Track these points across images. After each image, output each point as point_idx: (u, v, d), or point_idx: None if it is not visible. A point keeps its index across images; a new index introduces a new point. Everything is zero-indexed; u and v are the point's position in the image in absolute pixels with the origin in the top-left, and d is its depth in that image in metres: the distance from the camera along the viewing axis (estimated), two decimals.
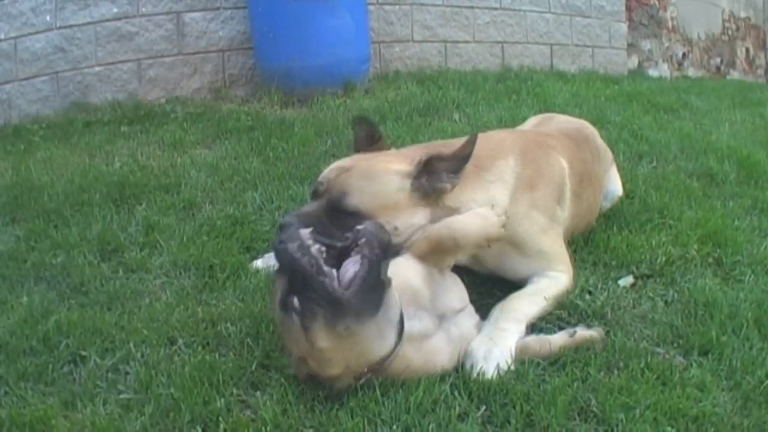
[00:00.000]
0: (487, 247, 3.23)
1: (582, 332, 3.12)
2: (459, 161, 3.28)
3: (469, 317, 3.12)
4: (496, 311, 3.18)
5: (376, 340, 2.72)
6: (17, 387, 2.93)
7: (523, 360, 2.96)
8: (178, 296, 3.62)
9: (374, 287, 2.69)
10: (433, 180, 3.28)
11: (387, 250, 2.77)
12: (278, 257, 2.76)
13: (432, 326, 2.92)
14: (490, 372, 2.86)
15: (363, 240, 2.73)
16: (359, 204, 3.20)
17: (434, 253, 3.10)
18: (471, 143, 3.27)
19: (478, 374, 2.86)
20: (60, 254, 4.07)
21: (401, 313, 2.79)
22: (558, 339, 3.08)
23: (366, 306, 2.66)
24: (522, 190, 3.46)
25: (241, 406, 2.78)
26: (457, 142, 3.46)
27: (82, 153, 5.96)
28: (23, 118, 7.31)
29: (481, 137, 3.41)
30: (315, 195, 3.37)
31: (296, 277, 2.67)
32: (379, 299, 2.70)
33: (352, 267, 2.69)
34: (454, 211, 3.27)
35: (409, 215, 3.26)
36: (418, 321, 2.88)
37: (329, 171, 3.40)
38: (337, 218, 3.17)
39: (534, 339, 3.07)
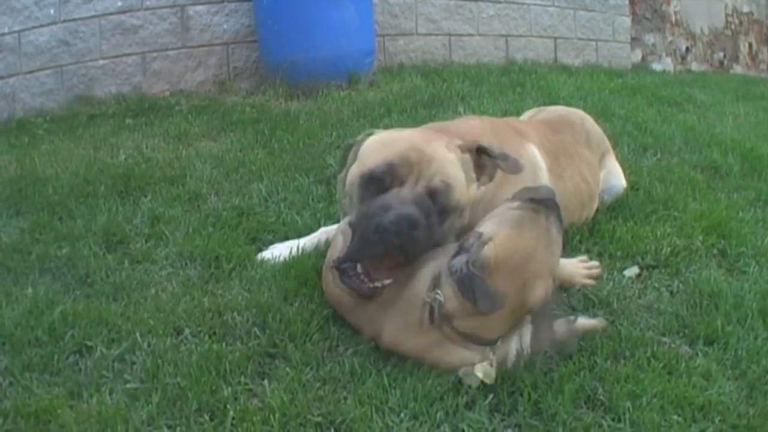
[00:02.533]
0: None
1: (583, 321, 3.13)
2: (501, 157, 3.16)
3: None
4: None
5: None
6: (23, 378, 2.93)
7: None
8: (184, 287, 3.61)
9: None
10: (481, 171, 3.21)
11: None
12: None
13: None
14: (509, 359, 2.88)
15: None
16: (459, 197, 3.08)
17: None
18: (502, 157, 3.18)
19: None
20: (65, 246, 4.06)
21: None
22: (559, 327, 3.08)
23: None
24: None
25: (249, 395, 2.79)
26: (454, 123, 3.48)
27: (86, 146, 5.95)
28: (27, 111, 7.30)
29: (456, 121, 3.54)
30: (395, 177, 3.02)
31: None
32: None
33: None
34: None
35: (468, 210, 3.17)
36: None
37: (405, 151, 3.06)
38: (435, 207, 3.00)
39: None
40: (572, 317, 3.15)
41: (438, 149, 3.11)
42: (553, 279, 2.78)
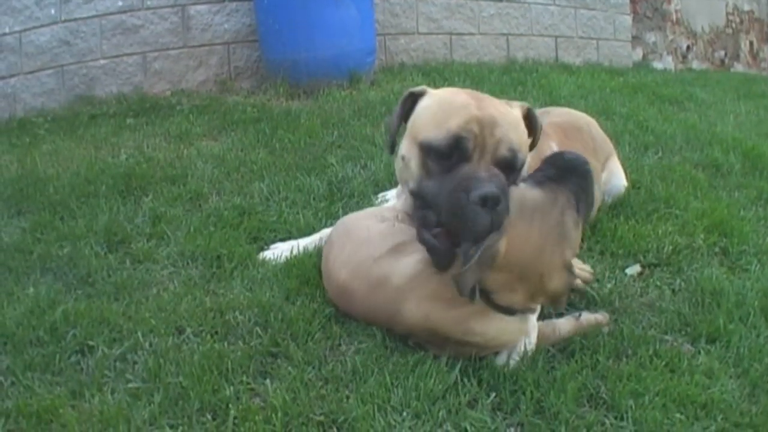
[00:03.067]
0: None
1: (587, 316, 3.13)
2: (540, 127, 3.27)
3: None
4: None
5: None
6: (24, 377, 2.93)
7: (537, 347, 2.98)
8: (186, 286, 3.61)
9: None
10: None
11: None
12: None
13: None
14: (515, 359, 2.90)
15: None
16: (523, 158, 3.05)
17: None
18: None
19: (503, 359, 2.91)
20: (66, 245, 4.07)
21: None
22: (565, 324, 3.09)
23: None
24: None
25: (251, 394, 2.79)
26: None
27: (87, 145, 5.96)
28: (28, 111, 7.32)
29: None
30: (462, 152, 2.96)
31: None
32: None
33: None
34: None
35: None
36: None
37: (468, 123, 2.98)
38: (505, 175, 2.95)
39: (543, 324, 3.08)
40: (577, 314, 3.15)
41: (499, 109, 3.09)
42: (569, 268, 2.78)
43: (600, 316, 3.17)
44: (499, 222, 2.74)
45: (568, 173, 2.84)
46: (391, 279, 3.01)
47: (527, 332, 2.96)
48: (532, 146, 3.21)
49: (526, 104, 3.23)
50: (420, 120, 3.13)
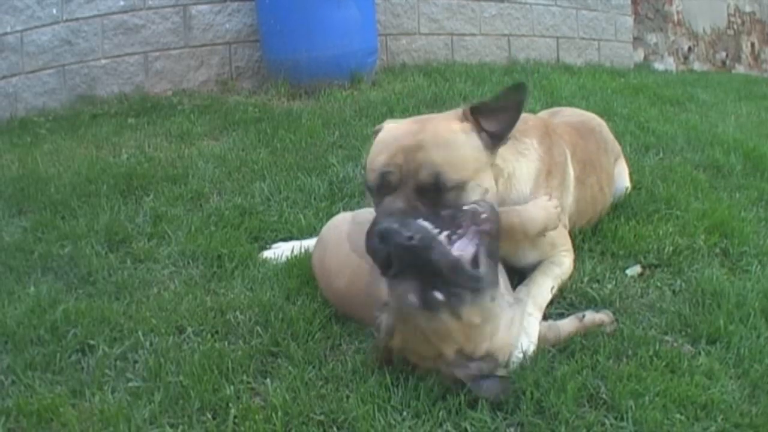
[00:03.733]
0: (543, 237, 3.28)
1: (591, 316, 3.13)
2: (510, 111, 3.02)
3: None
4: (520, 296, 3.17)
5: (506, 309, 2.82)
6: (25, 376, 2.94)
7: (540, 347, 2.98)
8: (187, 285, 3.63)
9: (495, 260, 2.78)
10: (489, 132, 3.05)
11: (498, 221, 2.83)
12: (405, 258, 2.64)
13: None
14: (519, 359, 2.89)
15: (484, 216, 2.75)
16: (454, 177, 2.88)
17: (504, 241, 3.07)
18: (518, 91, 3.01)
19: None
20: (67, 245, 4.08)
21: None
22: (568, 324, 3.09)
23: (494, 279, 2.74)
24: (543, 175, 3.42)
25: (251, 393, 2.80)
26: None
27: (88, 145, 5.97)
28: (30, 110, 7.33)
29: None
30: (387, 187, 2.93)
31: (427, 272, 2.63)
32: (496, 272, 2.78)
33: (469, 245, 2.70)
34: (500, 171, 3.17)
35: (489, 174, 3.02)
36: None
37: (392, 157, 2.94)
38: (431, 199, 2.87)
39: (545, 325, 3.08)
40: (581, 314, 3.15)
41: (429, 132, 2.98)
42: (462, 358, 2.75)
43: (603, 316, 3.17)
44: (407, 250, 2.65)
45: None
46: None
47: (527, 333, 2.97)
48: (504, 133, 3.06)
49: (462, 108, 3.10)
50: (369, 154, 3.09)
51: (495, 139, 3.02)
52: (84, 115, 7.05)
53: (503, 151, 3.12)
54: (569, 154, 3.72)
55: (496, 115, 3.00)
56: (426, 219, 2.74)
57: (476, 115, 3.02)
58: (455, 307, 2.62)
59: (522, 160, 3.34)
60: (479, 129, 3.01)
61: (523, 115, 3.37)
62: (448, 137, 2.98)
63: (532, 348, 2.94)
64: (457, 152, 2.94)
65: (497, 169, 3.11)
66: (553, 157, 3.52)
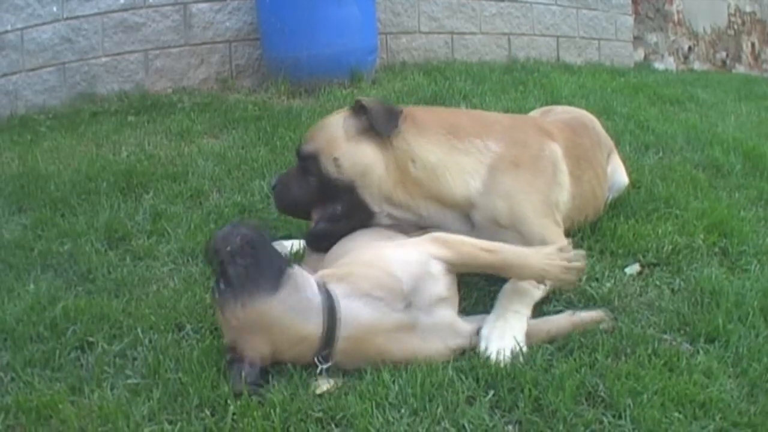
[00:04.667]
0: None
1: (583, 314, 3.14)
2: (385, 114, 3.53)
3: (450, 308, 3.11)
4: (507, 293, 3.20)
5: (290, 318, 2.80)
6: (24, 373, 2.96)
7: (529, 344, 2.99)
8: (186, 283, 3.64)
9: (261, 270, 2.81)
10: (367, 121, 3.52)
11: (255, 234, 2.92)
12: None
13: (401, 314, 2.93)
14: (505, 354, 2.90)
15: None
16: (312, 146, 3.57)
17: (475, 268, 3.22)
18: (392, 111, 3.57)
19: (492, 356, 2.90)
20: (67, 242, 4.09)
21: (331, 298, 2.86)
22: (559, 320, 3.10)
23: (260, 286, 2.78)
24: (505, 167, 3.53)
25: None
26: (475, 113, 3.88)
27: (88, 143, 5.97)
28: (30, 108, 7.32)
29: (477, 113, 3.94)
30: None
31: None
32: (275, 280, 2.80)
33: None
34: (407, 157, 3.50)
35: (351, 147, 3.50)
36: (380, 308, 2.91)
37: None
38: (305, 167, 3.59)
39: (536, 322, 3.10)
40: (572, 312, 3.16)
41: (323, 122, 3.71)
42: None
43: (597, 314, 3.17)
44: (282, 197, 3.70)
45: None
46: None
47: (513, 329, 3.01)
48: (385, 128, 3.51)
49: (349, 108, 3.67)
50: None
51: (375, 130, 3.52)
52: (84, 112, 7.05)
53: (427, 143, 3.52)
54: (560, 150, 3.75)
55: (372, 113, 3.50)
56: (299, 184, 3.61)
57: (358, 107, 3.56)
58: (218, 300, 2.86)
59: (457, 155, 3.53)
60: (359, 118, 3.55)
61: (488, 116, 3.98)
62: (326, 119, 3.72)
63: (520, 341, 2.97)
64: (322, 130, 3.64)
65: (401, 153, 3.49)
66: (525, 152, 3.62)
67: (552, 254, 3.19)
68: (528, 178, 3.53)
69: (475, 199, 3.48)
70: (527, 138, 3.69)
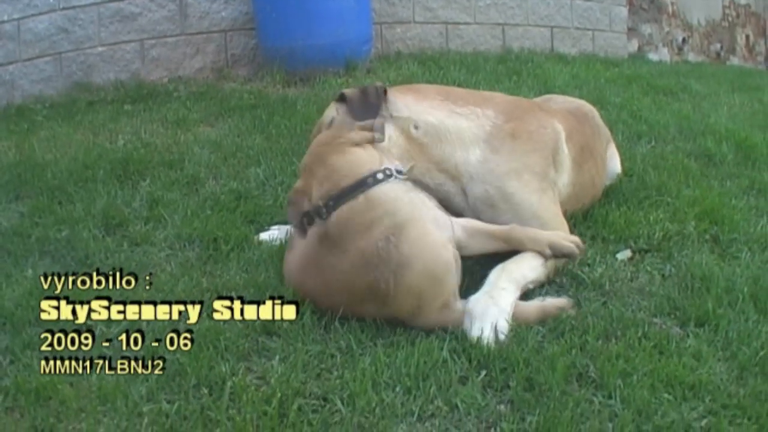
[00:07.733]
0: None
1: (552, 301, 3.19)
2: (362, 99, 3.64)
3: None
4: (497, 271, 3.22)
5: None
6: (24, 355, 2.98)
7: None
8: (183, 268, 3.66)
9: None
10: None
11: None
12: None
13: None
14: (488, 330, 2.94)
15: None
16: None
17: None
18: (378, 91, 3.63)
19: (474, 332, 2.95)
20: (64, 229, 4.11)
21: None
22: (529, 306, 3.16)
23: None
24: (502, 137, 3.57)
25: (247, 371, 2.83)
26: (473, 93, 3.91)
27: (85, 131, 5.99)
28: (26, 98, 7.32)
29: (476, 92, 3.98)
30: None
31: None
32: None
33: None
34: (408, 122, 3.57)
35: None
36: None
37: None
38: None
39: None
40: (541, 298, 3.21)
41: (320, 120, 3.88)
42: None
43: (563, 301, 3.22)
44: None
45: None
46: None
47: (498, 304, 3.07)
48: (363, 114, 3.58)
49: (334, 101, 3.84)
50: None
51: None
52: (80, 102, 7.05)
53: (428, 107, 3.59)
54: (563, 133, 3.77)
55: (350, 102, 3.68)
56: None
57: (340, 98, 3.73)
58: None
59: (457, 118, 3.60)
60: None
61: (496, 94, 4.01)
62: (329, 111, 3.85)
63: (504, 317, 3.02)
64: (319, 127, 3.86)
65: (402, 122, 3.55)
66: (523, 126, 3.64)
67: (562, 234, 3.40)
68: (525, 153, 3.56)
69: (474, 168, 3.54)
70: (528, 114, 3.72)
